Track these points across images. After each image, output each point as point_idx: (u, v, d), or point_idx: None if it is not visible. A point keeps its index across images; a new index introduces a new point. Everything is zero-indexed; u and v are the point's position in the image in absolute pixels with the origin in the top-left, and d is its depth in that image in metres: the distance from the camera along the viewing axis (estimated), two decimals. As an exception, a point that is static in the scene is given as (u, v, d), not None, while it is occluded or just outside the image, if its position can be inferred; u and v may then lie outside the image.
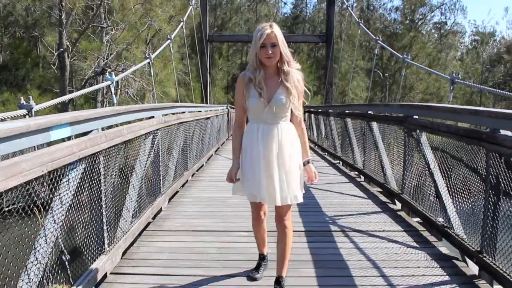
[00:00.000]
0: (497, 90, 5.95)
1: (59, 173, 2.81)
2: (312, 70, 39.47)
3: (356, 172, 9.15)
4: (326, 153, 13.27)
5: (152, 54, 9.72)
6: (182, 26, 13.41)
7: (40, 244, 2.69)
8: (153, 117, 5.50)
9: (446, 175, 4.63)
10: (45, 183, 2.80)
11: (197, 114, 9.61)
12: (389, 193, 6.55)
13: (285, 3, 45.60)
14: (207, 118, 11.32)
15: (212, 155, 12.36)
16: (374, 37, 12.26)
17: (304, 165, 3.26)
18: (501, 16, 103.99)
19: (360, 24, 14.65)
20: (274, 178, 3.10)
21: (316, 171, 3.30)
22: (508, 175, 3.28)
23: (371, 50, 35.15)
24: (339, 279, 3.73)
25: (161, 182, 5.87)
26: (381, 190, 7.11)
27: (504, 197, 3.40)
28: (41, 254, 2.68)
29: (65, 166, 2.85)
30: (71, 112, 3.82)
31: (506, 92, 6.93)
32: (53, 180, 2.79)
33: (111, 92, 5.49)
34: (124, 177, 4.52)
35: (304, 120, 12.67)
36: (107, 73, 6.21)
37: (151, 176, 5.52)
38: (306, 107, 21.08)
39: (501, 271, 3.40)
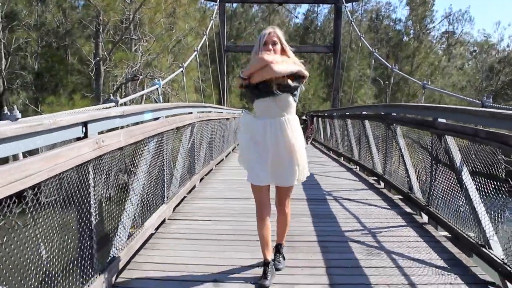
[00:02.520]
0: (461, 96, 7.02)
1: (145, 141, 4.35)
2: (322, 78, 40.96)
3: (355, 165, 10.62)
4: (331, 151, 14.75)
5: (173, 62, 11.18)
6: (205, 39, 15.00)
7: (133, 190, 4.21)
8: (191, 113, 7.05)
9: (411, 154, 6.14)
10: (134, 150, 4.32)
11: (220, 115, 11.16)
12: (376, 175, 8.05)
13: (296, 17, 46.94)
14: (227, 119, 12.84)
15: (230, 152, 13.84)
16: (372, 49, 13.75)
17: None
18: (493, 30, 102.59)
19: (362, 37, 16.15)
20: (279, 162, 3.42)
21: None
22: (441, 147, 4.78)
23: (377, 59, 36.70)
24: (328, 223, 5.24)
25: (196, 164, 7.41)
26: (371, 175, 8.60)
27: (439, 164, 4.90)
28: (135, 197, 4.21)
29: (150, 137, 4.40)
30: (152, 104, 5.39)
31: (470, 99, 8.32)
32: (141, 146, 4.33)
33: (158, 93, 7.03)
34: (174, 154, 6.06)
35: (312, 124, 14.30)
36: (155, 80, 7.74)
37: (189, 158, 7.05)
38: (314, 112, 22.47)
39: (441, 216, 4.88)
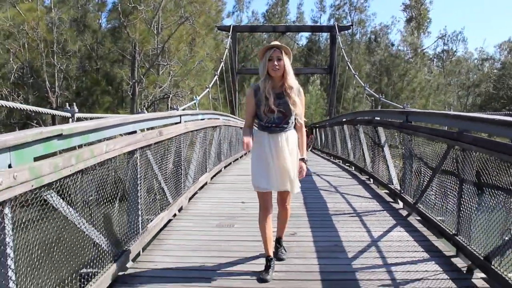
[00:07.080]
0: (391, 103, 9.32)
1: (199, 131, 7.24)
2: (323, 96, 43.82)
3: (339, 160, 13.44)
4: (325, 154, 17.61)
5: (194, 83, 13.93)
6: (222, 65, 18.06)
7: (193, 157, 7.08)
8: (219, 119, 9.94)
9: (369, 146, 8.99)
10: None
11: (236, 123, 14.06)
12: (349, 163, 10.91)
13: (297, 43, 50.28)
14: (241, 128, 15.72)
15: (242, 155, 16.71)
16: (353, 72, 16.64)
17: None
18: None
19: (347, 62, 19.12)
20: (281, 173, 3.59)
21: (305, 169, 3.74)
22: (376, 135, 7.63)
23: (374, 78, 39.84)
24: (308, 184, 8.08)
25: (221, 155, 10.28)
26: (348, 164, 11.44)
27: (376, 146, 7.75)
28: (194, 162, 7.06)
29: (201, 129, 7.28)
30: (202, 110, 8.34)
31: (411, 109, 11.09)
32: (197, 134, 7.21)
33: (196, 105, 9.90)
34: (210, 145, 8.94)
35: (312, 134, 17.76)
36: (194, 98, 10.67)
37: (218, 149, 9.93)
38: (313, 124, 25.28)
39: (377, 176, 7.70)
